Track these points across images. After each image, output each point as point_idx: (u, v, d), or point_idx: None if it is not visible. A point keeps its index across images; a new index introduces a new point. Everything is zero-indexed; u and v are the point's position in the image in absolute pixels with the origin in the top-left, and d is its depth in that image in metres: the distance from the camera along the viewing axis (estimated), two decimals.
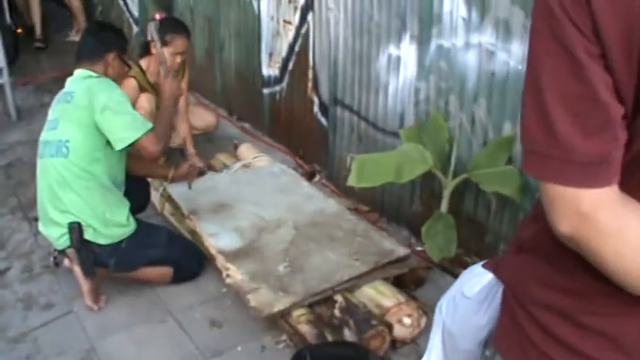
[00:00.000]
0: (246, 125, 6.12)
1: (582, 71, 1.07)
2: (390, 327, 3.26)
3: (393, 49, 4.09)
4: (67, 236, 3.49)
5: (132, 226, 3.63)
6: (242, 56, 5.99)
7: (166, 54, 4.69)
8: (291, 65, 5.31)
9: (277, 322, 3.40)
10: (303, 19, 5.01)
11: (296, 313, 3.33)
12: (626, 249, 1.10)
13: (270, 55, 5.54)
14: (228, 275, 3.55)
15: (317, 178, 5.08)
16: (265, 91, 5.74)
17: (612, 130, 1.08)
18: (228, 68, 6.27)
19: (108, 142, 3.43)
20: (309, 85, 5.12)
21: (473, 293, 1.61)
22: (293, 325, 3.31)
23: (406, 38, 3.96)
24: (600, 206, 1.10)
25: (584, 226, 1.11)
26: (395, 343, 3.31)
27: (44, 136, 3.58)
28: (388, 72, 4.17)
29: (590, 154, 1.09)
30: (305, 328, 3.25)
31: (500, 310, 1.50)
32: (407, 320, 3.30)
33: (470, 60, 3.60)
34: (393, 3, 3.97)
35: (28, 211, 4.61)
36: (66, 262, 3.75)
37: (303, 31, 5.03)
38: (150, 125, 3.46)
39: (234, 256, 3.68)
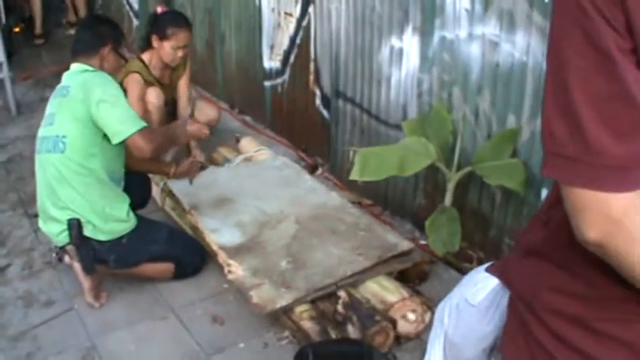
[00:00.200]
0: (248, 118, 6.08)
1: (614, 69, 1.02)
2: (394, 323, 3.22)
3: (395, 41, 4.04)
4: (66, 233, 3.45)
5: (132, 222, 3.59)
6: (243, 49, 5.95)
7: (168, 47, 4.66)
8: (292, 58, 5.26)
9: (280, 318, 3.36)
10: (304, 10, 4.96)
11: (299, 309, 3.29)
12: None
13: (272, 47, 5.49)
14: (229, 271, 3.51)
15: (319, 171, 5.04)
16: (267, 83, 5.70)
17: None
18: (229, 61, 6.23)
19: (104, 137, 3.38)
20: (311, 77, 5.07)
21: (478, 301, 1.55)
22: (296, 322, 3.27)
23: (409, 30, 3.91)
24: (631, 211, 1.05)
25: (614, 232, 1.06)
26: (399, 339, 3.27)
27: (41, 131, 3.55)
28: (390, 64, 4.12)
29: (621, 157, 1.04)
30: (308, 325, 3.21)
31: (507, 316, 1.45)
32: (411, 316, 3.27)
33: (473, 51, 3.55)
34: None
35: (28, 207, 4.58)
36: (66, 258, 3.71)
37: (304, 23, 4.99)
38: (143, 123, 3.40)
39: (235, 251, 3.64)
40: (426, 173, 3.95)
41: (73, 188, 3.41)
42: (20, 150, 5.56)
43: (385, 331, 3.17)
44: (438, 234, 3.64)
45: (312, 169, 5.02)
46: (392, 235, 3.80)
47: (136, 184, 3.82)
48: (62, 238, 3.49)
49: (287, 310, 3.29)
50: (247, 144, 5.12)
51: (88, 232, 3.45)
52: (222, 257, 3.63)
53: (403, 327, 3.25)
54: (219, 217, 3.98)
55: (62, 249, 3.61)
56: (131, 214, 3.60)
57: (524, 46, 3.26)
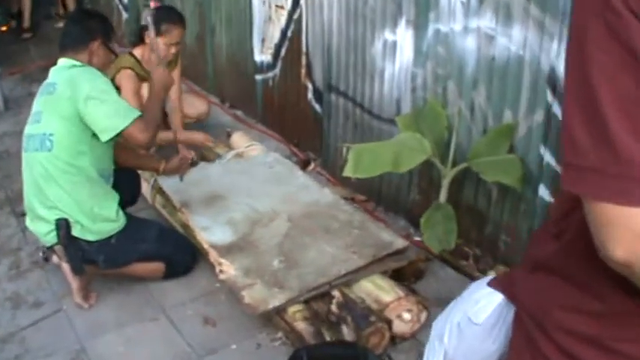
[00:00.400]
0: (239, 113, 6.01)
1: None
2: (389, 323, 3.16)
3: (388, 34, 3.97)
4: (54, 233, 3.38)
5: (121, 221, 3.52)
6: (234, 42, 5.87)
7: (161, 44, 4.57)
8: (283, 51, 5.19)
9: (272, 319, 3.30)
10: (295, 3, 4.89)
11: (292, 309, 3.22)
12: None
13: (263, 40, 5.42)
14: (221, 271, 3.44)
15: (312, 166, 4.97)
16: (258, 77, 5.62)
17: None
18: (220, 54, 6.15)
19: (93, 135, 3.30)
20: (303, 71, 5.00)
21: (482, 319, 1.46)
22: (289, 322, 3.20)
23: (402, 23, 3.84)
24: None
25: None
26: (394, 339, 3.21)
27: (28, 129, 3.47)
28: (384, 58, 4.05)
29: None
30: (301, 326, 3.15)
31: (512, 332, 1.38)
32: (406, 315, 3.21)
33: (469, 45, 3.49)
34: None
35: (15, 205, 4.50)
36: (54, 258, 3.64)
37: (295, 15, 4.91)
38: (137, 112, 3.32)
39: (227, 250, 3.57)
40: (421, 169, 3.88)
41: (60, 187, 3.34)
42: (7, 147, 5.47)
43: (380, 331, 3.11)
44: (434, 231, 3.58)
45: (304, 165, 4.95)
46: (386, 233, 3.74)
47: (125, 181, 3.74)
48: (50, 238, 3.42)
49: (280, 310, 3.23)
50: (238, 139, 5.05)
51: (76, 232, 3.38)
52: (213, 256, 3.56)
53: (399, 327, 3.19)
54: (211, 214, 3.91)
55: (50, 249, 3.55)
56: (120, 213, 3.52)
57: (521, 40, 3.20)
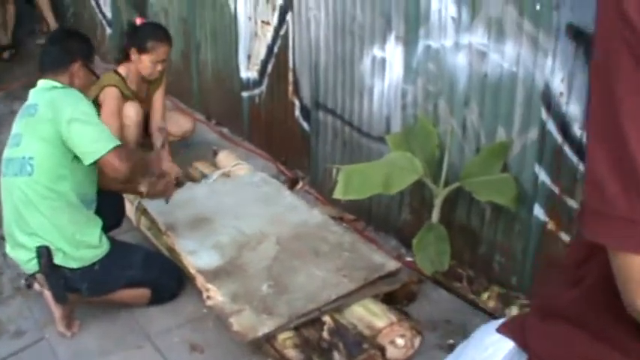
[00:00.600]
0: (225, 130, 5.91)
1: None
2: (382, 349, 3.08)
3: (377, 51, 3.89)
4: (35, 261, 3.27)
5: (105, 247, 3.40)
6: (219, 59, 5.78)
7: (147, 61, 4.48)
8: (270, 68, 5.10)
9: (262, 346, 3.19)
10: (281, 19, 4.80)
11: (282, 336, 3.12)
12: None
13: (249, 57, 5.33)
14: (208, 297, 3.34)
15: (300, 185, 4.88)
16: (244, 94, 5.53)
17: None
18: (205, 71, 6.06)
19: (75, 158, 3.20)
20: (290, 88, 4.91)
21: None
22: (279, 350, 3.10)
23: (391, 39, 3.77)
24: None
25: None
26: None
27: (7, 152, 3.35)
28: (373, 74, 3.97)
29: None
30: (292, 353, 3.05)
31: None
32: (400, 341, 3.11)
33: (460, 61, 3.41)
34: (377, 2, 3.78)
35: None
36: (36, 285, 3.53)
37: (282, 32, 4.83)
38: (117, 142, 3.22)
39: (214, 275, 3.47)
40: (412, 188, 3.78)
41: (41, 213, 3.23)
42: None
43: (373, 358, 3.03)
44: (426, 253, 3.50)
45: (292, 183, 4.86)
46: (378, 255, 3.65)
47: (108, 204, 3.63)
48: (31, 266, 3.31)
49: (269, 337, 3.13)
50: (225, 158, 4.95)
51: (58, 259, 3.27)
52: (200, 281, 3.46)
53: (392, 353, 3.10)
54: (197, 237, 3.81)
55: (32, 276, 3.42)
56: (104, 238, 3.41)
57: (514, 56, 3.13)
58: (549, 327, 1.19)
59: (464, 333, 3.35)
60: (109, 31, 7.77)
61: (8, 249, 3.46)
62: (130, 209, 4.20)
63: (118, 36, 7.25)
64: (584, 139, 2.95)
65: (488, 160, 3.38)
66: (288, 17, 4.71)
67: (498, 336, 1.34)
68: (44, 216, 3.23)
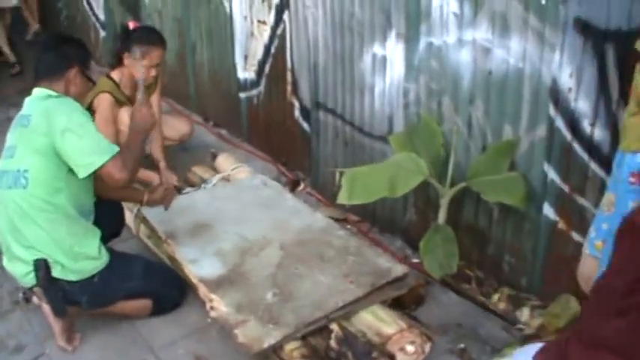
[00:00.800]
0: (223, 132, 5.83)
1: None
2: (392, 357, 3.00)
3: (377, 49, 3.80)
4: (33, 274, 3.18)
5: (104, 259, 3.32)
6: (215, 59, 5.70)
7: (141, 67, 4.39)
8: (267, 68, 5.02)
9: (269, 357, 3.10)
10: (278, 18, 4.72)
11: (288, 347, 3.05)
12: None
13: (245, 57, 5.25)
14: (212, 307, 3.26)
15: (301, 186, 4.80)
16: (242, 95, 5.45)
17: None
18: (202, 72, 5.98)
19: (70, 170, 3.11)
20: (289, 88, 4.83)
21: None
22: None
23: (392, 36, 3.68)
24: None
25: None
26: None
27: (1, 164, 3.26)
28: (373, 73, 3.89)
29: None
30: None
31: None
32: (410, 348, 3.04)
33: (463, 58, 3.33)
34: None
35: None
36: (34, 299, 3.44)
37: (279, 31, 4.74)
38: (116, 149, 3.13)
39: (217, 284, 3.38)
40: (417, 188, 3.68)
41: (37, 226, 3.14)
42: None
43: None
44: (434, 255, 3.42)
45: (293, 185, 4.79)
46: (384, 259, 3.57)
47: (107, 214, 3.55)
48: (29, 279, 3.22)
49: (276, 348, 3.05)
50: (224, 161, 4.87)
51: (56, 272, 3.18)
52: (203, 291, 3.37)
53: None
54: (198, 245, 3.72)
55: (30, 290, 3.34)
56: (103, 250, 3.33)
57: (520, 52, 3.05)
58: (592, 357, 1.12)
59: (475, 337, 3.28)
60: (102, 33, 7.69)
61: (5, 262, 3.37)
62: (129, 217, 4.11)
63: (111, 39, 7.18)
64: (594, 136, 2.87)
65: (495, 159, 3.29)
66: (285, 16, 4.62)
67: None
68: (41, 229, 3.14)
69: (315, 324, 3.13)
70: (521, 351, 1.40)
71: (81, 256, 3.23)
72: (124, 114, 4.42)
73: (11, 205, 3.16)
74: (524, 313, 3.27)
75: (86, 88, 3.50)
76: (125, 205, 3.94)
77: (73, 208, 3.20)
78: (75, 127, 3.09)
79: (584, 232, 2.88)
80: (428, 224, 3.69)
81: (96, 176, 3.23)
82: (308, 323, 3.11)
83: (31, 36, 8.43)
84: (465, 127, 3.44)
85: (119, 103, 4.46)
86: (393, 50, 3.70)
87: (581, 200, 3.01)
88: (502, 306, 3.36)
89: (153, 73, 4.47)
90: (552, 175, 3.09)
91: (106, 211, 3.51)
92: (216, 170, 4.82)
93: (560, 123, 2.98)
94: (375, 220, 4.26)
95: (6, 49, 7.96)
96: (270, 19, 4.80)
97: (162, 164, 4.70)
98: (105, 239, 3.41)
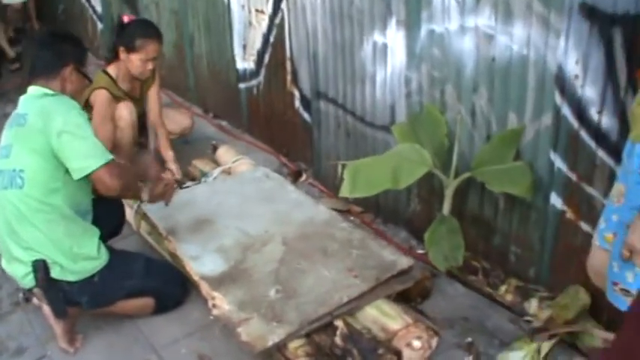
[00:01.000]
0: (224, 123, 5.77)
1: None
2: (398, 354, 2.93)
3: (378, 37, 3.73)
4: (32, 275, 3.13)
5: (104, 258, 3.26)
6: (214, 50, 5.63)
7: (136, 60, 4.31)
8: (267, 58, 4.95)
9: (273, 355, 3.04)
10: (276, 7, 4.65)
11: (292, 344, 2.99)
12: None
13: (244, 47, 5.18)
14: (214, 305, 3.19)
15: (303, 177, 4.74)
16: (241, 85, 5.38)
17: None
18: (200, 63, 5.91)
19: (67, 171, 3.05)
20: (288, 78, 4.76)
21: None
22: (290, 359, 2.95)
23: (392, 24, 3.60)
24: None
25: None
26: None
27: None
28: (374, 61, 3.81)
29: None
30: None
31: None
32: (417, 343, 2.97)
33: (466, 45, 3.25)
34: None
35: None
36: (34, 299, 3.39)
37: (277, 20, 4.67)
38: (110, 157, 3.07)
39: (219, 282, 3.32)
40: (421, 178, 3.62)
41: (35, 227, 3.08)
42: None
43: None
44: (439, 247, 3.35)
45: (295, 176, 4.73)
46: (388, 251, 3.49)
47: (107, 212, 3.50)
48: (28, 280, 3.17)
49: (280, 346, 2.99)
50: (225, 153, 4.79)
51: (55, 273, 3.13)
52: (205, 289, 3.31)
53: (409, 356, 2.96)
54: (199, 241, 3.66)
55: (29, 291, 3.29)
56: (102, 249, 3.27)
57: (524, 38, 2.97)
58: None
59: (482, 330, 3.23)
60: (100, 25, 7.63)
61: (4, 263, 3.32)
62: (129, 214, 4.06)
63: (109, 31, 7.11)
64: (602, 124, 2.80)
65: (499, 148, 3.22)
66: (283, 5, 4.56)
67: None
68: (39, 230, 3.08)
69: (319, 321, 3.06)
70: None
71: (80, 256, 3.18)
72: (122, 109, 4.36)
73: (8, 207, 3.11)
74: (532, 305, 3.20)
75: (82, 86, 3.45)
76: (125, 201, 3.88)
77: (69, 208, 3.14)
78: (72, 128, 3.04)
79: (592, 221, 2.82)
80: (432, 214, 3.63)
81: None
82: (312, 320, 3.05)
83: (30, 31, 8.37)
84: (468, 115, 3.36)
85: (116, 98, 4.38)
86: (394, 38, 3.63)
87: (589, 189, 2.94)
88: (509, 297, 3.30)
89: (149, 66, 4.39)
90: (559, 163, 3.02)
91: (105, 210, 3.46)
92: (217, 163, 4.75)
93: (566, 111, 2.90)
94: (379, 210, 4.19)
95: (5, 45, 7.91)
96: (269, 8, 4.72)
97: (170, 154, 4.66)
98: (105, 238, 3.36)
